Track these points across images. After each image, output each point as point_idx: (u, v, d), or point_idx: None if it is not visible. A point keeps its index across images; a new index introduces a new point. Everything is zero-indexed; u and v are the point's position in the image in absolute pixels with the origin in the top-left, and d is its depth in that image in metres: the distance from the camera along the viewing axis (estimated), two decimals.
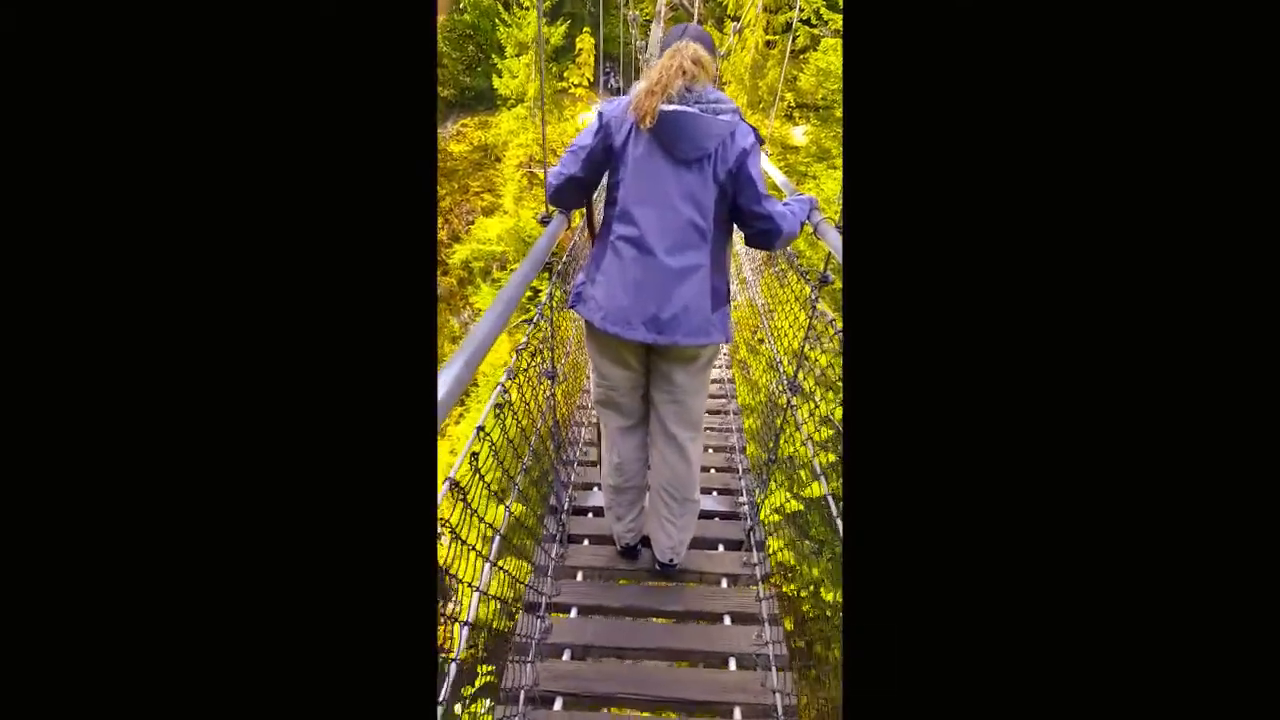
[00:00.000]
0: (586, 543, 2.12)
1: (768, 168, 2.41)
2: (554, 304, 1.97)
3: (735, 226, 1.48)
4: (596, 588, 1.93)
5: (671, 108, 1.36)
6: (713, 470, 2.47)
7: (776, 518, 2.17)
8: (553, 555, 1.99)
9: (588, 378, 2.97)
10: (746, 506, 2.25)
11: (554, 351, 1.94)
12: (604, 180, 1.53)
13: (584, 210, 1.79)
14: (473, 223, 15.38)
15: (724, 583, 1.96)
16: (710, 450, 2.59)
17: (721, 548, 2.10)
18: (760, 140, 1.41)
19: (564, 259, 2.52)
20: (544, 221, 1.68)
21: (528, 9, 13.97)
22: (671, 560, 1.87)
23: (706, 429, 2.66)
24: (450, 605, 1.12)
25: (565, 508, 2.19)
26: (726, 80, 10.81)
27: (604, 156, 1.46)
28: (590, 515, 2.23)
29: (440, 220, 15.57)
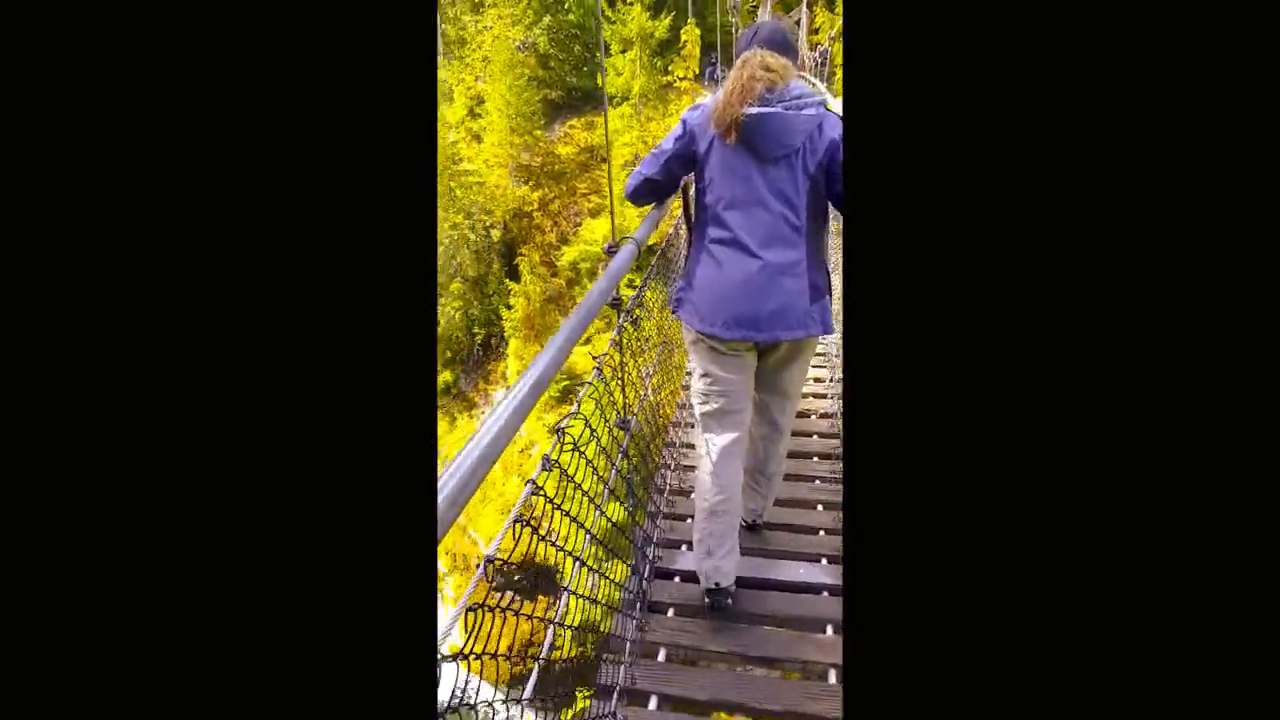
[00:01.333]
0: (671, 613, 1.84)
1: None
2: (629, 341, 1.71)
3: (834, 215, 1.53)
4: (680, 674, 1.66)
5: (754, 110, 1.36)
6: (822, 532, 2.10)
7: None
8: (630, 630, 1.73)
9: (677, 409, 2.70)
10: None
11: (625, 396, 1.67)
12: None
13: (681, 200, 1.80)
14: (580, 224, 15.57)
15: (832, 676, 1.61)
16: (820, 507, 2.22)
17: (831, 630, 1.74)
18: None
19: (659, 252, 2.41)
20: (610, 251, 1.43)
21: (631, 4, 13.84)
22: (755, 520, 1.98)
23: (815, 478, 2.39)
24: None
25: (646, 570, 1.92)
26: (840, 63, 10.10)
27: (686, 162, 1.49)
28: (677, 580, 1.94)
29: (549, 222, 15.90)
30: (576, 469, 1.16)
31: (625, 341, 1.65)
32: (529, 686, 1.03)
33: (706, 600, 1.75)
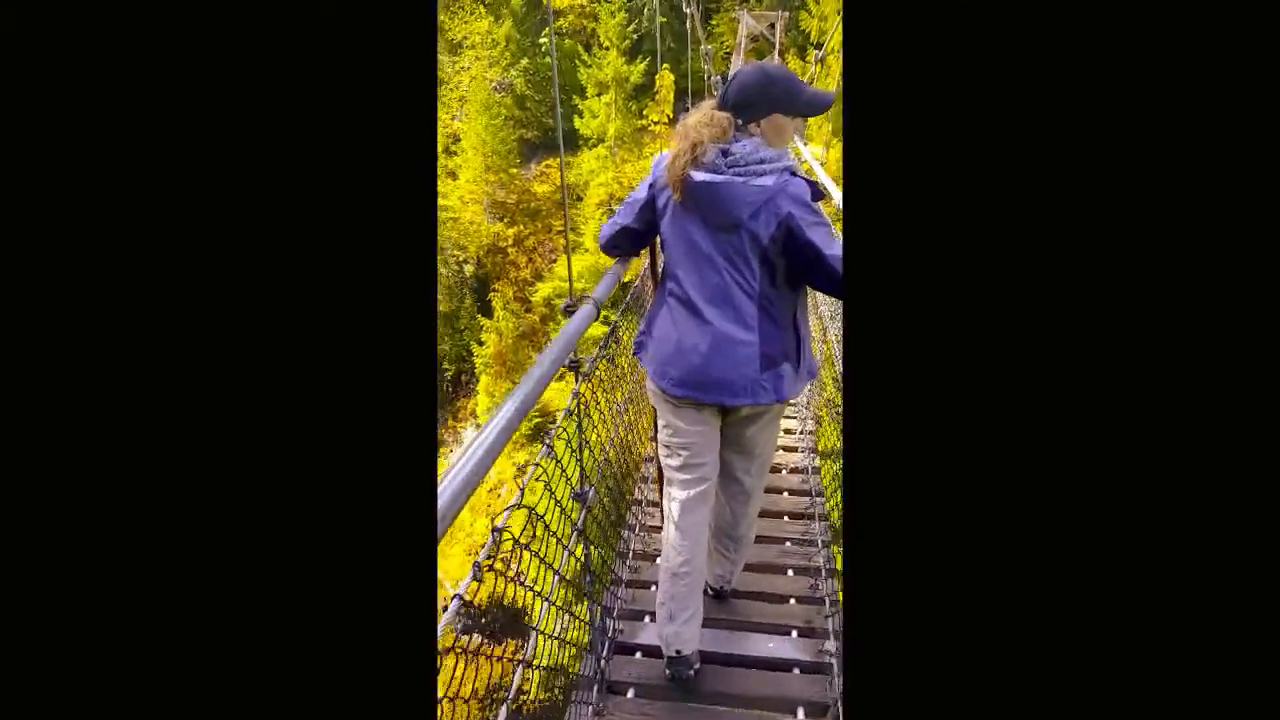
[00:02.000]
0: (631, 693, 1.70)
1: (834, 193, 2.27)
2: (585, 406, 1.61)
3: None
4: None
5: (702, 177, 1.28)
6: (793, 600, 1.98)
7: None
8: (586, 716, 1.59)
9: (644, 463, 2.59)
10: (833, 657, 1.71)
11: (582, 462, 1.56)
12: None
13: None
14: (555, 260, 15.58)
15: None
16: (790, 572, 2.10)
17: (802, 713, 1.62)
18: (819, 195, 1.31)
19: (626, 299, 2.29)
20: (568, 311, 1.34)
21: (607, 49, 14.15)
22: (722, 587, 1.86)
23: (785, 539, 2.26)
24: None
25: (605, 648, 1.79)
26: None
27: (653, 211, 1.42)
28: (639, 655, 1.81)
29: (524, 258, 15.88)
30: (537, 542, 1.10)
31: (581, 405, 1.55)
32: None
33: (668, 671, 1.63)
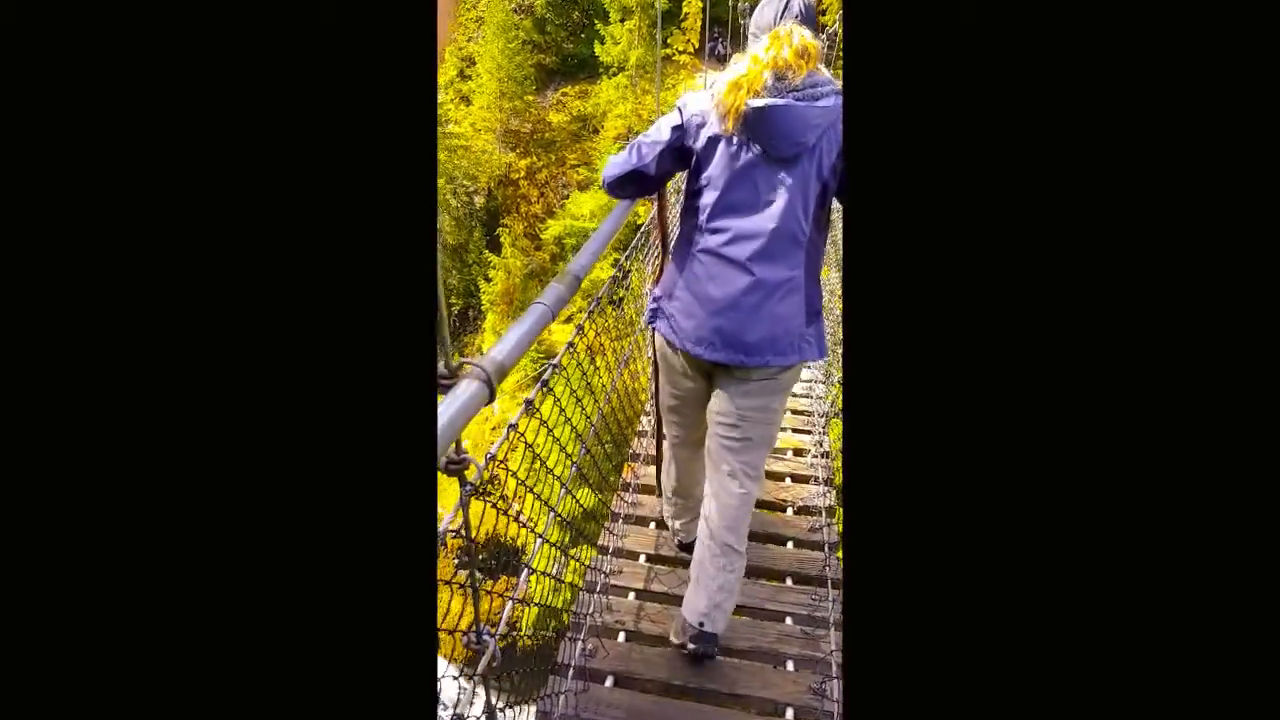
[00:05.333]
0: (610, 681, 1.55)
1: None
2: (589, 349, 1.43)
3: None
4: None
5: (761, 102, 1.16)
6: (788, 581, 1.80)
7: None
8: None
9: (640, 416, 2.41)
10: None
11: (581, 401, 1.41)
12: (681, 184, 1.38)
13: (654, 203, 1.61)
14: (568, 197, 15.09)
15: None
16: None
17: (791, 714, 1.46)
18: None
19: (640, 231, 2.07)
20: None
21: None
22: (701, 624, 1.42)
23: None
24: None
25: (598, 588, 1.69)
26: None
27: (680, 157, 1.29)
28: (622, 638, 1.65)
29: (536, 192, 15.40)
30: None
31: (585, 346, 1.39)
32: (483, 662, 0.95)
33: (676, 545, 1.80)
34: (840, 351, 2.14)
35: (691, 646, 1.44)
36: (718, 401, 1.38)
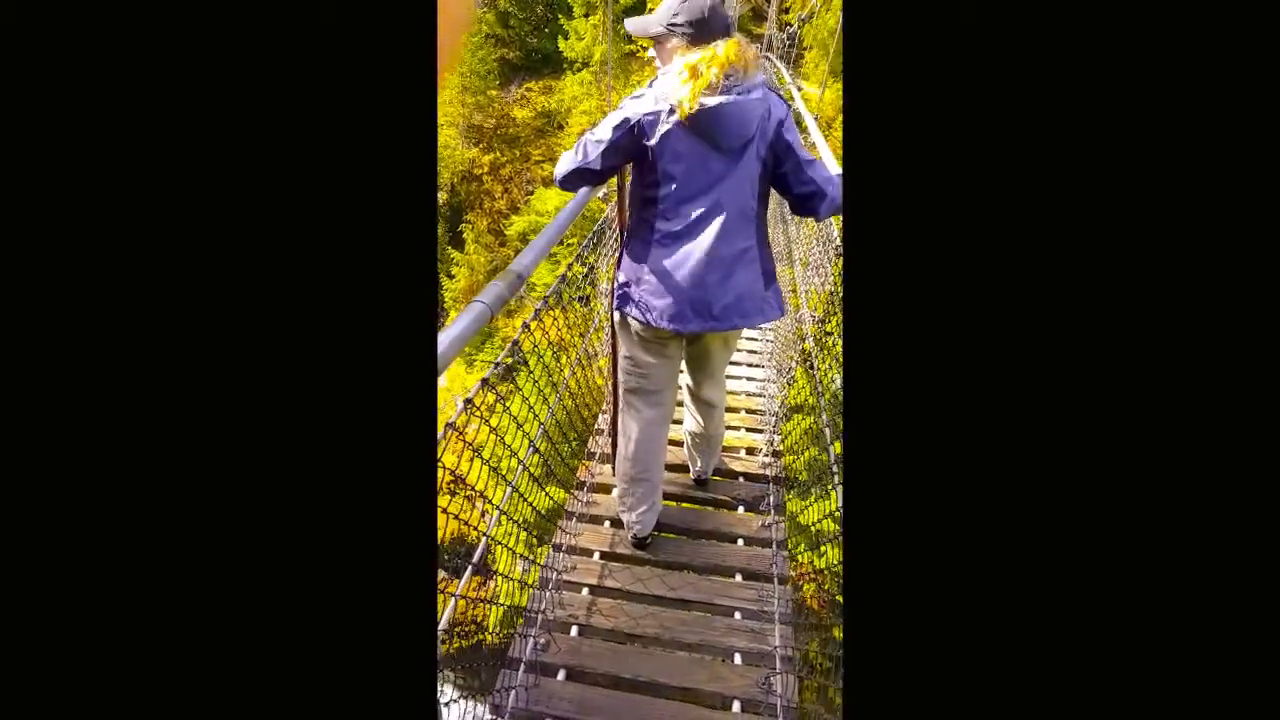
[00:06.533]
0: (562, 675, 1.57)
1: (817, 140, 2.23)
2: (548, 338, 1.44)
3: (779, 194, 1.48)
4: None
5: (714, 100, 1.31)
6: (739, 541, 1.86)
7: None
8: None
9: (604, 402, 2.44)
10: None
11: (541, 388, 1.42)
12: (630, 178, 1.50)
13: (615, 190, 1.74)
14: (533, 192, 14.97)
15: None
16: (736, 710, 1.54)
17: (738, 706, 1.50)
18: (788, 106, 1.42)
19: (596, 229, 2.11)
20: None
21: None
22: (702, 477, 2.11)
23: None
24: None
25: (551, 584, 1.69)
26: (808, 45, 9.90)
27: (626, 154, 1.41)
28: (574, 632, 1.65)
29: (500, 188, 15.24)
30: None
31: (543, 334, 1.39)
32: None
33: (631, 541, 1.93)
34: (794, 354, 2.27)
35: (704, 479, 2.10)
36: (694, 363, 1.69)
